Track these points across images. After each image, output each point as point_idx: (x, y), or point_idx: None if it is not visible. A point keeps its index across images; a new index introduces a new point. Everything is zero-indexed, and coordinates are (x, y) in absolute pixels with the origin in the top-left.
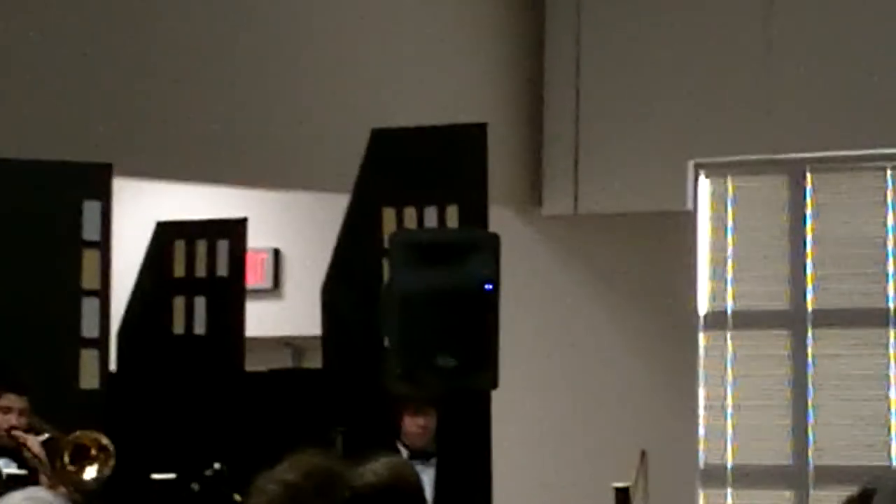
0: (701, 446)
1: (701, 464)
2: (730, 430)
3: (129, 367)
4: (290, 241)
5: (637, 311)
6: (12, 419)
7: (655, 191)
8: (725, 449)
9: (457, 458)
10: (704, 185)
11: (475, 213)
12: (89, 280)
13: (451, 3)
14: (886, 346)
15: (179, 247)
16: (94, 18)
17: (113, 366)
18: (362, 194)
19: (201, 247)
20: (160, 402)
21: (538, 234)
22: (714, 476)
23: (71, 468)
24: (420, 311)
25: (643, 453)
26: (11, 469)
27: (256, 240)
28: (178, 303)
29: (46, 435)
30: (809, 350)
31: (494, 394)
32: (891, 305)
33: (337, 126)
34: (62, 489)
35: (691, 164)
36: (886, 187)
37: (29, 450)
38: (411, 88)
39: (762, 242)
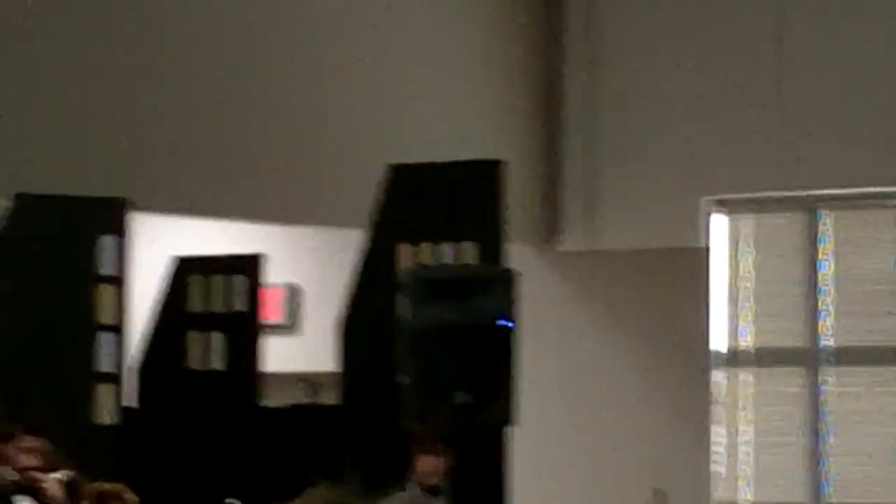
0: (715, 485)
1: (714, 502)
2: (745, 468)
3: (146, 403)
4: (307, 276)
5: (651, 347)
6: (32, 460)
7: (670, 228)
8: (739, 487)
9: (472, 495)
10: (718, 221)
11: (492, 249)
12: (105, 315)
13: (468, 41)
14: None
15: (196, 282)
16: (114, 54)
17: (126, 401)
18: (378, 230)
19: (218, 282)
20: (176, 438)
21: (553, 271)
22: None
23: None
24: (434, 349)
25: (656, 491)
26: None
27: (273, 275)
28: (195, 338)
29: (68, 474)
30: (825, 388)
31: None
32: None
33: (354, 162)
34: None
35: (705, 200)
36: None
37: (45, 492)
38: (427, 125)
39: (777, 279)
